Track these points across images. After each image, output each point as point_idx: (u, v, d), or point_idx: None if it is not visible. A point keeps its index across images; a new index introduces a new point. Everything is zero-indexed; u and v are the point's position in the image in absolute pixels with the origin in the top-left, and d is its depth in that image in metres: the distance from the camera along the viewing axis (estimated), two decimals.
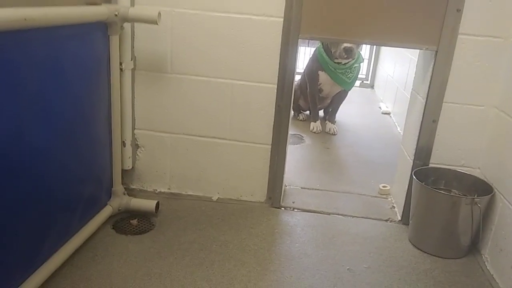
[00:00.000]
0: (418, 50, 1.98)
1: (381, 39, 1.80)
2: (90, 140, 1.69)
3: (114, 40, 1.71)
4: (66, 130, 1.50)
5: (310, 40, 1.84)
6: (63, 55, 1.43)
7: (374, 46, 5.03)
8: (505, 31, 1.72)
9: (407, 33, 1.77)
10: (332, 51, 3.06)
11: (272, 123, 1.96)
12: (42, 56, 1.32)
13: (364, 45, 5.63)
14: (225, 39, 1.86)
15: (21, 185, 1.29)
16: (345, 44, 2.92)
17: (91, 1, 1.57)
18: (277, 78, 1.88)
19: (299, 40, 1.83)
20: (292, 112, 3.62)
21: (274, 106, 1.93)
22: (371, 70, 5.05)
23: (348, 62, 3.10)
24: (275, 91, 1.90)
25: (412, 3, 1.73)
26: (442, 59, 1.77)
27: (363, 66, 5.17)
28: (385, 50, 4.67)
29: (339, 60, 3.07)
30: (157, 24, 1.67)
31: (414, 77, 2.05)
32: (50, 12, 1.28)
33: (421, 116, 1.87)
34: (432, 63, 1.79)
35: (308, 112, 3.58)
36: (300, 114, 3.60)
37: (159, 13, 1.66)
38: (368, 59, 5.09)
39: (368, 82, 5.06)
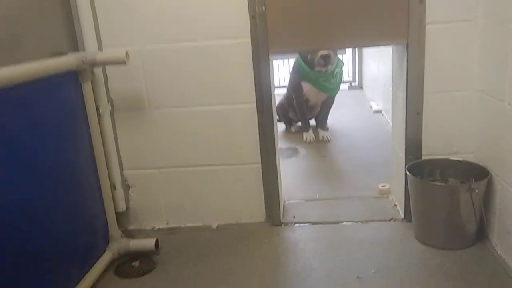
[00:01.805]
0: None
1: (350, 42, 1.80)
2: (77, 188, 1.67)
3: (87, 87, 1.71)
4: (50, 181, 1.49)
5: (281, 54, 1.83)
6: (37, 109, 1.43)
7: (356, 51, 5.05)
8: (471, 13, 1.72)
9: (375, 32, 1.77)
10: (309, 60, 3.07)
11: (258, 141, 1.94)
12: (15, 113, 1.32)
13: (348, 50, 5.68)
14: (197, 67, 1.87)
15: (10, 242, 1.27)
16: (321, 52, 2.92)
17: (56, 52, 1.58)
18: (255, 96, 1.87)
19: (271, 55, 1.83)
20: (284, 126, 3.64)
21: (257, 124, 1.91)
22: (357, 72, 5.06)
23: (328, 69, 3.10)
24: (255, 109, 1.89)
25: (374, 2, 1.73)
26: (414, 51, 1.77)
27: (349, 69, 5.19)
28: (367, 50, 4.68)
29: (319, 68, 3.07)
30: (126, 64, 1.67)
31: (392, 73, 2.05)
32: (15, 71, 1.29)
33: (405, 111, 1.85)
34: (405, 56, 1.78)
35: (300, 123, 3.57)
36: (292, 127, 3.59)
37: (127, 53, 1.67)
38: (353, 61, 5.12)
39: (356, 83, 5.06)
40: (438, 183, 1.74)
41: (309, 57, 3.07)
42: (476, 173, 1.76)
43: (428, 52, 1.76)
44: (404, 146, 1.90)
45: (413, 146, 1.89)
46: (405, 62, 1.79)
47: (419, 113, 1.83)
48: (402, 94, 1.88)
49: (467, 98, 1.81)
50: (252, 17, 1.76)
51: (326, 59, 2.95)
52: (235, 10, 1.78)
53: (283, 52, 1.82)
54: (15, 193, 1.30)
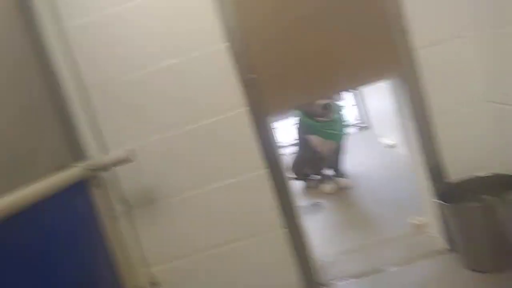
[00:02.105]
0: None
1: (345, 85, 1.81)
2: None
3: (97, 193, 1.72)
4: None
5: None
6: (51, 226, 1.42)
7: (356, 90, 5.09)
8: (461, 29, 1.73)
9: (367, 71, 1.79)
10: (310, 112, 3.09)
11: (279, 205, 1.89)
12: (29, 236, 1.31)
13: (346, 92, 5.74)
14: (202, 146, 1.88)
15: None
16: (322, 102, 2.94)
17: (61, 165, 1.60)
18: (262, 162, 1.85)
19: (270, 118, 1.84)
20: (303, 183, 3.58)
21: (272, 189, 1.88)
22: (363, 113, 5.05)
23: (331, 117, 3.11)
24: (266, 174, 1.87)
25: (360, 43, 1.75)
26: (411, 79, 1.76)
27: (354, 111, 5.19)
28: (367, 88, 4.70)
29: (322, 119, 3.08)
30: (131, 161, 1.69)
31: (396, 106, 2.02)
32: (19, 196, 1.29)
33: (418, 139, 1.81)
34: (405, 87, 1.77)
35: (318, 176, 3.51)
36: (311, 182, 3.53)
37: (129, 151, 1.69)
38: (357, 104, 5.13)
39: (365, 124, 5.03)
40: (472, 204, 1.65)
41: (308, 108, 3.09)
42: (508, 183, 1.66)
43: (425, 76, 1.75)
44: (426, 173, 1.83)
45: (435, 172, 1.82)
46: (405, 93, 1.78)
47: (432, 137, 1.78)
48: (411, 124, 1.84)
49: (477, 111, 1.78)
50: (245, 85, 1.79)
51: (327, 107, 2.96)
52: (228, 83, 1.81)
53: (282, 110, 1.83)
54: None
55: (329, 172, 3.49)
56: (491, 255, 1.64)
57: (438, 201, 1.72)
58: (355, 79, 1.79)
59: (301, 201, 3.16)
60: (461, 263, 1.74)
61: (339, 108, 3.24)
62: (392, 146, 3.78)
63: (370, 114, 4.87)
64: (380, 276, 1.87)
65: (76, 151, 1.84)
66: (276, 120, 5.64)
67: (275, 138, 1.89)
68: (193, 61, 1.82)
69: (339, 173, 3.33)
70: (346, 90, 1.83)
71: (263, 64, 1.78)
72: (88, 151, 1.85)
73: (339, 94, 1.81)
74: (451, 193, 1.79)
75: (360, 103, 5.05)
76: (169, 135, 1.87)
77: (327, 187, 3.22)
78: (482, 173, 1.79)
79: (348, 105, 5.08)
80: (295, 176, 3.60)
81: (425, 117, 1.78)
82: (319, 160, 3.33)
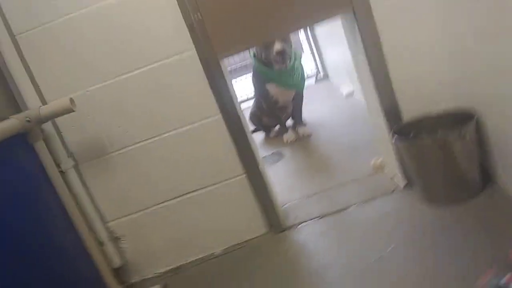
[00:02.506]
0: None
1: (296, 23, 1.72)
2: (60, 256, 1.54)
3: (39, 146, 1.59)
4: (25, 256, 1.35)
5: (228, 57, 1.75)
6: None
7: (311, 41, 5.03)
8: None
9: (319, 6, 1.70)
10: (265, 59, 3.00)
11: (235, 151, 1.84)
12: None
13: (303, 44, 5.67)
14: (149, 94, 1.77)
15: None
16: (276, 48, 2.85)
17: None
18: (217, 106, 1.77)
19: (221, 61, 1.74)
20: (263, 133, 3.55)
21: (229, 134, 1.81)
22: (319, 63, 5.03)
23: (288, 65, 3.03)
24: (222, 119, 1.79)
25: None
26: (362, 14, 1.69)
27: (312, 62, 5.16)
28: (322, 39, 4.66)
29: (278, 66, 2.99)
30: (73, 111, 1.56)
31: (347, 42, 1.97)
32: None
33: (371, 76, 1.77)
34: (356, 24, 1.71)
35: (277, 127, 3.48)
36: (270, 132, 3.49)
37: (71, 99, 1.56)
38: (312, 54, 5.09)
39: (321, 74, 5.02)
40: (426, 137, 1.65)
41: (263, 56, 3.00)
42: (463, 119, 1.67)
43: (379, 10, 1.69)
44: (382, 114, 1.82)
45: (391, 112, 1.80)
46: (357, 30, 1.72)
47: (386, 76, 1.75)
48: (363, 59, 1.79)
49: (428, 45, 1.73)
50: (191, 27, 1.67)
51: (282, 54, 2.88)
52: (171, 25, 1.69)
53: (231, 53, 1.73)
54: None
55: (288, 121, 3.47)
56: (447, 189, 1.67)
57: (396, 137, 1.71)
58: (307, 16, 1.70)
59: (262, 152, 3.13)
60: (418, 198, 1.77)
61: (297, 56, 3.17)
62: (350, 95, 3.79)
63: (327, 64, 4.85)
64: (341, 215, 1.88)
65: (13, 104, 1.71)
66: (233, 78, 5.54)
67: (228, 81, 1.80)
68: (132, 0, 1.67)
69: (298, 122, 3.30)
70: (299, 28, 1.74)
71: (209, 4, 1.66)
72: (27, 104, 1.71)
73: (292, 32, 1.71)
74: (407, 131, 1.79)
75: (316, 55, 5.01)
76: (112, 83, 1.75)
77: (287, 136, 3.20)
78: (437, 110, 1.80)
79: (305, 56, 5.04)
80: (254, 127, 3.55)
81: (378, 55, 1.74)
82: (277, 109, 3.29)
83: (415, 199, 1.78)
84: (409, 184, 1.87)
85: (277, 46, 2.84)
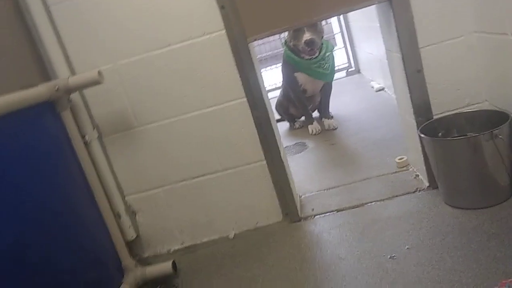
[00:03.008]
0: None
1: (330, 9, 1.68)
2: (78, 223, 1.57)
3: (66, 116, 1.62)
4: (45, 219, 1.39)
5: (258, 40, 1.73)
6: (16, 145, 1.34)
7: (345, 33, 4.94)
8: None
9: None
10: (293, 47, 2.98)
11: (258, 137, 1.82)
12: None
13: (336, 35, 5.57)
14: (177, 72, 1.77)
15: None
16: (305, 38, 2.82)
17: (25, 84, 1.49)
18: (243, 89, 1.76)
19: (250, 44, 1.72)
20: (288, 124, 3.52)
21: (253, 119, 1.80)
22: (351, 56, 4.94)
23: (317, 55, 2.98)
24: (247, 103, 1.78)
25: None
26: (399, 5, 1.64)
27: (344, 55, 5.07)
28: (356, 32, 4.57)
29: (307, 56, 2.96)
30: (101, 83, 1.58)
31: (383, 36, 1.92)
32: None
33: (404, 72, 1.72)
34: (391, 13, 1.66)
35: (303, 118, 3.44)
36: (295, 123, 3.46)
37: (99, 72, 1.57)
38: (345, 47, 5.00)
39: (353, 68, 4.93)
40: (457, 138, 1.60)
41: (292, 44, 2.96)
42: (496, 119, 1.60)
43: (414, 4, 1.63)
44: (412, 110, 1.76)
45: (421, 107, 1.75)
46: (392, 20, 1.67)
47: (420, 70, 1.70)
48: (397, 55, 1.75)
49: (465, 42, 1.67)
50: (222, 8, 1.66)
51: (310, 44, 2.83)
52: (202, 5, 1.67)
53: (261, 36, 1.71)
54: (8, 237, 1.20)
55: (315, 113, 3.43)
56: (473, 192, 1.61)
57: (422, 136, 1.66)
58: (343, 2, 1.66)
59: (285, 141, 3.11)
60: (442, 199, 1.72)
61: (329, 47, 3.11)
62: (379, 89, 3.71)
63: (359, 58, 4.76)
64: (358, 211, 1.85)
65: (44, 74, 1.74)
66: (263, 68, 5.51)
67: (256, 66, 1.78)
68: None
69: (324, 114, 3.26)
70: (332, 14, 1.69)
71: None
72: (57, 74, 1.74)
73: (324, 19, 1.66)
74: (436, 130, 1.74)
75: (349, 47, 4.92)
76: (142, 58, 1.75)
77: (312, 127, 3.16)
78: (469, 109, 1.73)
79: (338, 49, 4.96)
80: (279, 116, 3.53)
81: (412, 48, 1.68)
82: (305, 100, 3.25)
83: (438, 200, 1.73)
84: (433, 185, 1.81)
85: (306, 35, 2.80)
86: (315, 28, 2.89)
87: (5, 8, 1.64)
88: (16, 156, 1.33)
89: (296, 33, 2.90)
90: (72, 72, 1.77)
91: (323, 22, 4.70)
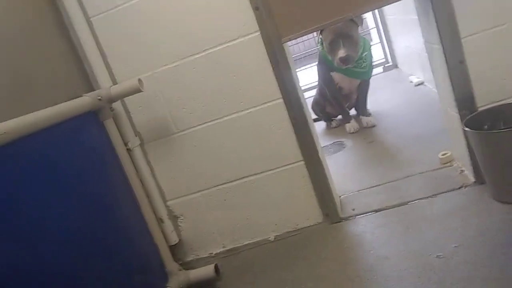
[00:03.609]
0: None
1: (363, 5, 1.65)
2: (122, 229, 1.62)
3: (109, 124, 1.68)
4: (93, 226, 1.44)
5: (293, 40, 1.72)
6: (58, 156, 1.39)
7: (381, 29, 4.83)
8: None
9: None
10: (329, 60, 2.98)
11: (295, 137, 1.81)
12: (36, 162, 1.28)
13: (372, 30, 5.46)
14: (214, 76, 1.79)
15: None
16: (340, 54, 2.79)
17: (71, 96, 1.56)
18: (279, 90, 1.76)
19: (284, 44, 1.72)
20: (324, 123, 3.48)
21: (289, 119, 1.79)
22: (388, 51, 4.83)
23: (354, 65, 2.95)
24: (284, 104, 1.78)
25: None
26: None
27: (380, 50, 4.97)
28: (392, 26, 4.46)
29: (342, 67, 2.93)
30: (141, 91, 1.63)
31: (421, 28, 1.86)
32: (27, 119, 1.26)
33: (445, 64, 1.66)
34: (430, 3, 1.61)
35: (340, 116, 3.40)
36: (332, 122, 3.42)
37: (140, 80, 1.62)
38: (381, 42, 4.89)
39: (390, 63, 4.82)
40: (503, 130, 1.52)
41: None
42: None
43: None
44: (455, 102, 1.70)
45: (464, 100, 1.68)
46: (431, 10, 1.62)
47: (462, 61, 1.64)
48: (437, 47, 1.69)
49: (509, 30, 1.59)
50: (256, 9, 1.67)
51: (345, 60, 2.80)
52: (236, 8, 1.69)
53: (296, 36, 1.70)
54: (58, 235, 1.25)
55: (352, 110, 3.37)
56: None
57: (467, 130, 1.60)
58: None
59: (322, 141, 3.08)
60: (489, 194, 1.65)
61: (366, 45, 3.05)
62: (419, 84, 3.60)
63: (397, 52, 4.64)
64: (403, 209, 1.80)
65: (87, 83, 1.81)
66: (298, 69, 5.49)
67: (291, 66, 1.77)
68: None
69: (362, 112, 3.20)
70: (368, 10, 1.66)
71: None
72: (99, 83, 1.81)
73: (359, 14, 1.63)
74: (482, 122, 1.67)
75: (385, 42, 4.81)
76: (177, 65, 1.79)
77: (350, 126, 3.11)
78: None
79: (373, 44, 4.85)
80: (315, 116, 3.50)
81: (454, 37, 1.62)
82: (341, 98, 3.20)
83: (485, 196, 1.66)
84: (479, 180, 1.74)
85: (341, 52, 2.78)
86: (351, 40, 2.83)
87: (49, 22, 1.72)
88: (62, 166, 1.39)
89: (332, 47, 2.86)
90: (114, 81, 1.83)
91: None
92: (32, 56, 1.57)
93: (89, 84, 1.81)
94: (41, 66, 1.60)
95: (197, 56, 1.77)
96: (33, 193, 1.23)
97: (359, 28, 2.93)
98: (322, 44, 3.05)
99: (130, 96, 1.78)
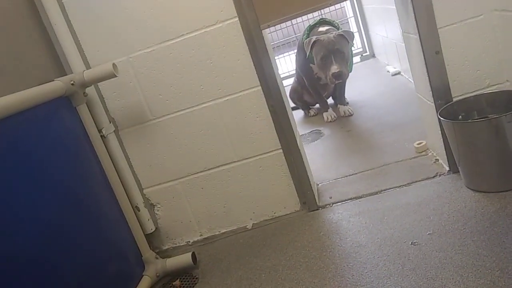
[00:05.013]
0: None
1: None
2: (97, 217, 1.58)
3: (83, 110, 1.63)
4: (66, 213, 1.40)
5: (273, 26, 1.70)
6: (30, 141, 1.34)
7: (359, 17, 4.85)
8: None
9: None
10: (317, 78, 2.99)
11: (273, 126, 1.81)
12: (4, 149, 1.23)
13: (350, 19, 5.47)
14: (190, 62, 1.75)
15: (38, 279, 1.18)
16: (333, 70, 2.76)
17: (43, 81, 1.50)
18: (257, 78, 1.74)
19: (263, 30, 1.70)
20: (302, 112, 3.49)
21: (268, 107, 1.78)
22: (365, 41, 4.85)
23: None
24: (262, 92, 1.76)
25: None
26: None
27: (358, 39, 4.99)
28: (370, 15, 4.48)
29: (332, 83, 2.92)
30: (116, 76, 1.58)
31: (399, 17, 1.87)
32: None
33: (422, 54, 1.68)
34: None
35: (317, 105, 3.41)
36: (310, 110, 3.43)
37: (114, 65, 1.58)
38: (358, 32, 4.91)
39: (368, 53, 4.85)
40: (477, 120, 1.55)
41: (316, 76, 2.98)
42: None
43: None
44: (431, 92, 1.72)
45: (440, 90, 1.71)
46: (409, 1, 1.62)
47: (438, 52, 1.65)
48: (414, 37, 1.70)
49: (485, 22, 1.62)
50: None
51: (338, 77, 2.78)
52: None
53: (275, 23, 1.68)
54: (29, 224, 1.21)
55: (330, 99, 3.38)
56: (495, 175, 1.57)
57: (442, 119, 1.62)
58: None
59: (300, 130, 3.08)
60: (463, 183, 1.69)
61: (350, 36, 3.04)
62: (396, 74, 3.64)
63: (374, 42, 4.67)
64: (377, 197, 1.83)
65: (59, 69, 1.75)
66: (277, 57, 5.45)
67: (270, 53, 1.75)
68: None
69: (339, 101, 3.22)
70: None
71: None
72: (72, 69, 1.75)
73: (333, 4, 1.62)
74: (456, 112, 1.70)
75: (363, 32, 4.84)
76: (154, 50, 1.75)
77: (327, 114, 3.13)
78: (489, 90, 1.69)
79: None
80: (293, 105, 3.49)
81: (431, 28, 1.63)
82: (319, 86, 3.21)
83: (459, 184, 1.70)
84: (453, 169, 1.78)
85: (334, 67, 2.75)
86: (343, 56, 2.83)
87: (21, 6, 1.64)
88: (34, 151, 1.34)
89: (324, 62, 2.83)
90: (87, 66, 1.77)
91: (337, 6, 4.66)
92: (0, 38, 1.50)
93: (62, 69, 1.75)
94: (9, 49, 1.53)
95: (173, 41, 1.73)
96: (2, 182, 1.18)
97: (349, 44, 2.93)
98: (305, 33, 3.02)
99: (105, 82, 1.73)
